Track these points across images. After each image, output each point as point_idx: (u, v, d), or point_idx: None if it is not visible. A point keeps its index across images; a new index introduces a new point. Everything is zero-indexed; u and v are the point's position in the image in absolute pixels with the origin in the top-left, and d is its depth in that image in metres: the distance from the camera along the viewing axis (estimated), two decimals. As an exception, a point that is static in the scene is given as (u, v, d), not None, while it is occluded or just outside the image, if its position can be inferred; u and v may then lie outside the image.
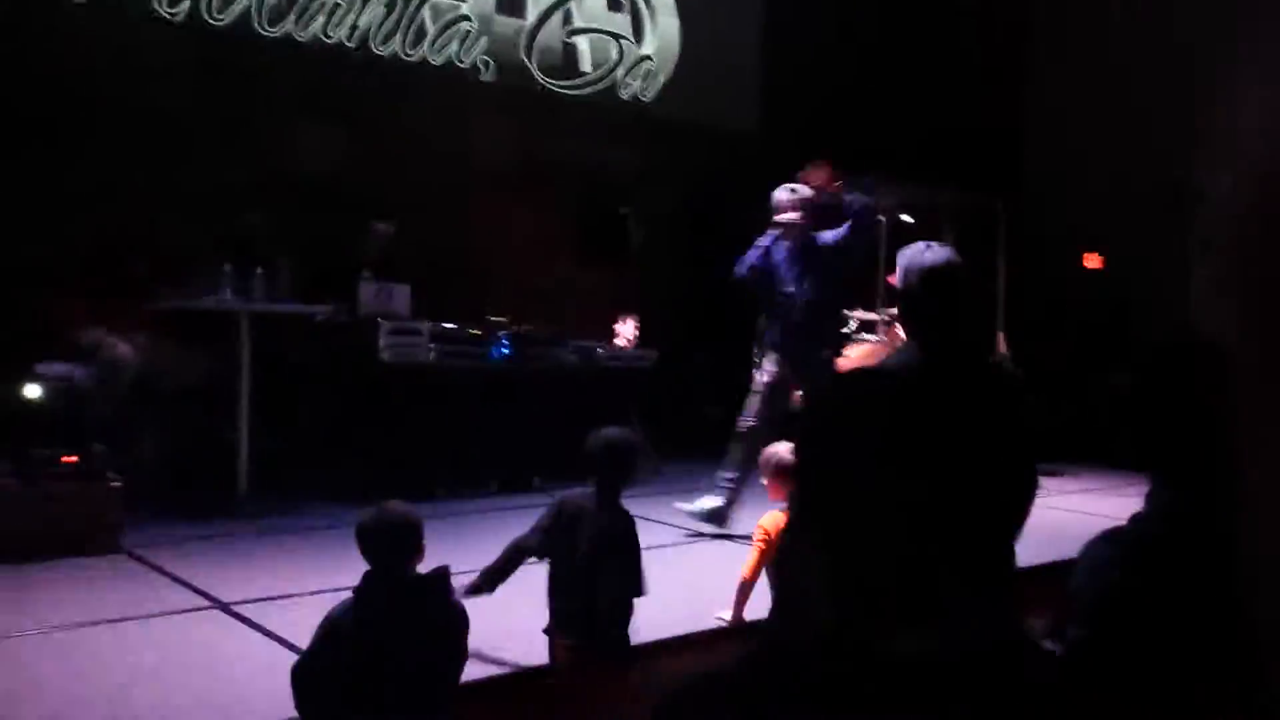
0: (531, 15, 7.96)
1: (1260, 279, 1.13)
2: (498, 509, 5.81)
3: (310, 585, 4.16)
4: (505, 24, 7.84)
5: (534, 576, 3.27)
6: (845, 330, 7.73)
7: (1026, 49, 10.03)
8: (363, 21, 7.14)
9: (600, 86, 8.33)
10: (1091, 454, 7.56)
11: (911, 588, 1.09)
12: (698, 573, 4.64)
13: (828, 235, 5.43)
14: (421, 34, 7.41)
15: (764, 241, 5.49)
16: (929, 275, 2.67)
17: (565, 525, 3.22)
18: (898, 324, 7.67)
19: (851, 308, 7.62)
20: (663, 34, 8.58)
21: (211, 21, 6.53)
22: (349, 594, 2.60)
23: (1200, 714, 1.60)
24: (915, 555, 1.09)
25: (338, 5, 7.02)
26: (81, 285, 5.68)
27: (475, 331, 6.54)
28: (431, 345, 6.25)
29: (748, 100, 8.98)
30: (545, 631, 3.24)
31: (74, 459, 4.67)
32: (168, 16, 6.37)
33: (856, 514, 1.10)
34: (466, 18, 7.60)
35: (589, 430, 3.32)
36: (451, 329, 6.42)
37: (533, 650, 3.34)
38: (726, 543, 5.27)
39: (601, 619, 3.17)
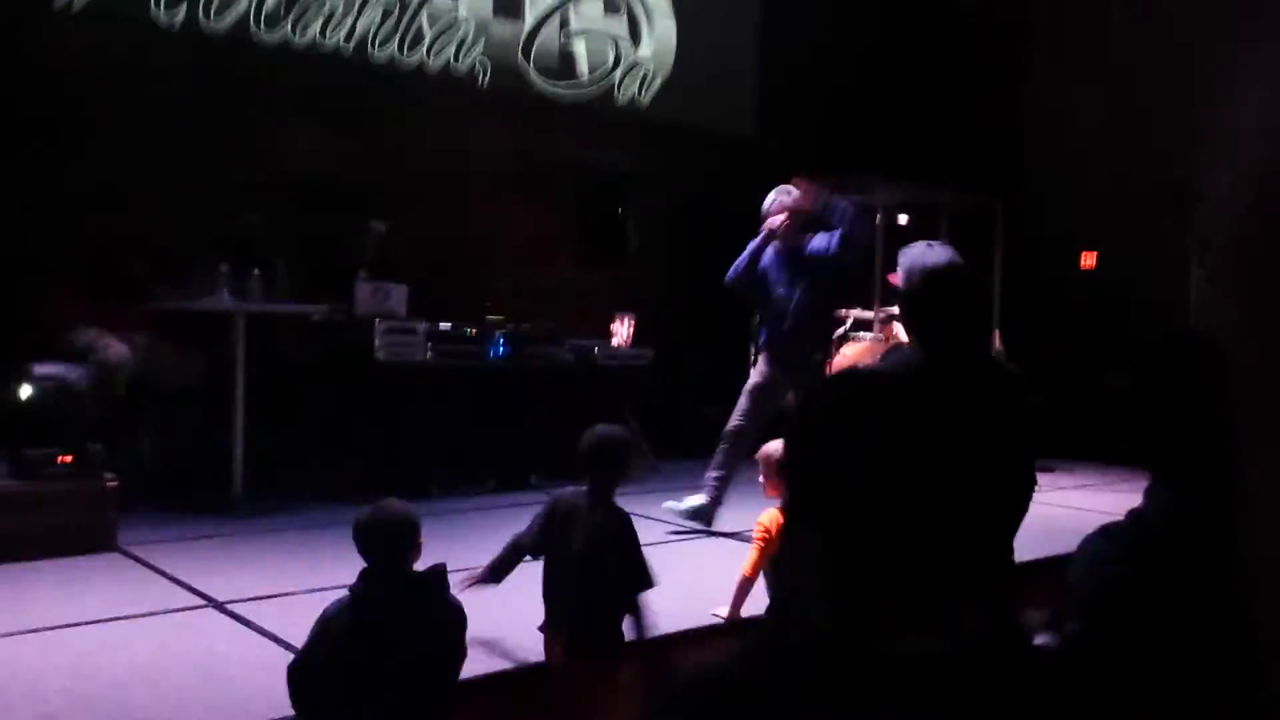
0: (529, 19, 7.99)
1: (1260, 278, 1.13)
2: (494, 507, 5.82)
3: (306, 583, 4.16)
4: (502, 27, 7.86)
5: (531, 574, 3.27)
6: (841, 329, 7.74)
7: (1025, 49, 10.05)
8: (360, 25, 7.16)
9: (597, 89, 8.35)
10: (1086, 450, 7.57)
11: (909, 587, 1.09)
12: (692, 570, 4.63)
13: (818, 243, 5.41)
14: (419, 38, 7.43)
15: (752, 245, 5.51)
16: (932, 275, 2.67)
17: (559, 524, 3.22)
18: (894, 322, 7.72)
19: (847, 306, 7.63)
20: (659, 37, 8.60)
21: (208, 26, 6.54)
22: (345, 592, 2.60)
23: (1199, 712, 1.60)
24: (913, 555, 1.09)
25: (335, 10, 7.03)
26: (78, 285, 5.69)
27: (472, 331, 6.55)
28: (428, 345, 6.26)
29: (744, 102, 9.01)
30: (540, 629, 3.24)
31: (69, 458, 4.68)
32: (165, 21, 6.38)
33: (854, 515, 1.10)
34: (464, 21, 7.62)
35: (588, 427, 3.33)
36: (448, 329, 6.44)
37: (529, 647, 3.34)
38: (721, 540, 5.27)
39: (596, 616, 3.17)
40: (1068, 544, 1.83)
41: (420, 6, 7.41)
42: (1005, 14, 9.97)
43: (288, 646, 3.38)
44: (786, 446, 1.22)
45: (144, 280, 5.74)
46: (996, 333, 8.03)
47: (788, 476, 1.20)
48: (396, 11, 7.32)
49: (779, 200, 5.45)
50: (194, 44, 6.50)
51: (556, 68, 8.15)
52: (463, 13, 7.63)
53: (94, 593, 4.11)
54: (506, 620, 3.42)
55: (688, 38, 8.69)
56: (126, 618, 3.83)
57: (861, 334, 7.80)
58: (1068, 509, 6.01)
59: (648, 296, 7.92)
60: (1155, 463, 1.76)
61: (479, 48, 7.68)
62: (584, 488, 3.24)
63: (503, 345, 6.57)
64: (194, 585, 4.23)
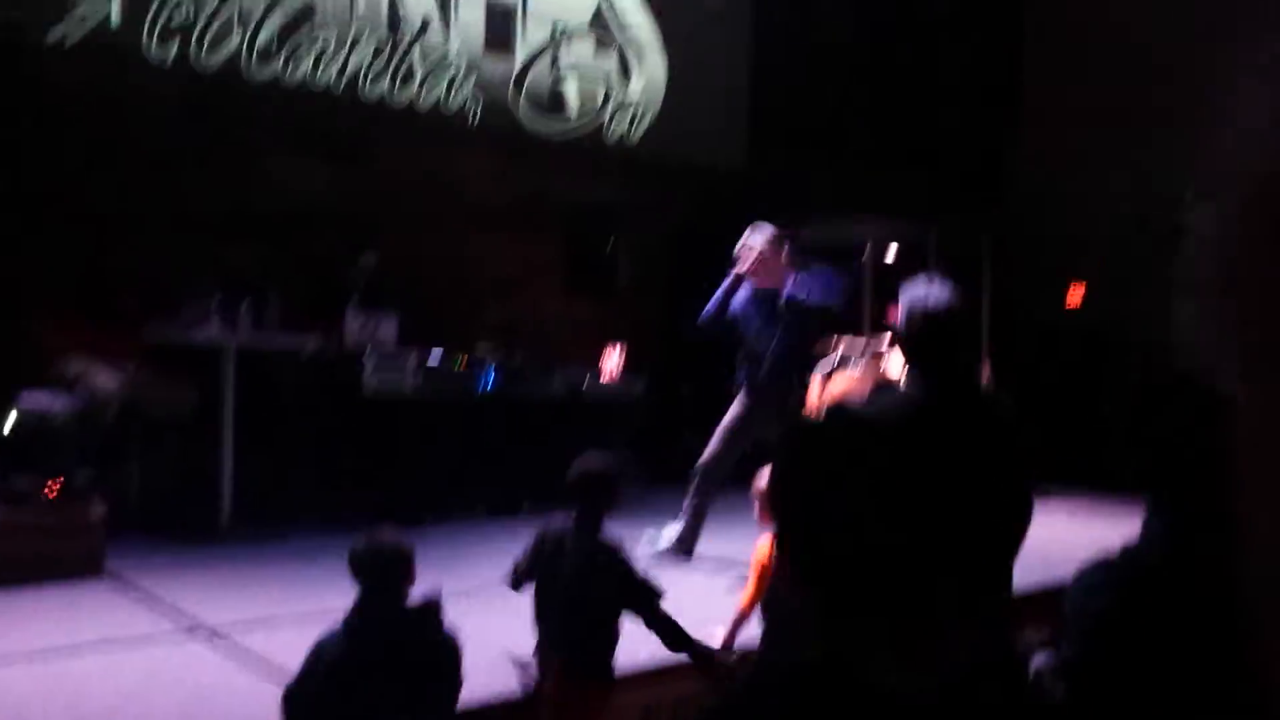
0: (519, 57, 8.09)
1: (1260, 286, 1.14)
2: (486, 534, 5.81)
3: (295, 610, 4.13)
4: (493, 65, 7.96)
5: (524, 602, 3.27)
6: (830, 361, 7.77)
7: (1013, 85, 10.22)
8: (352, 63, 7.24)
9: (587, 127, 8.44)
10: (1076, 478, 7.58)
11: (907, 620, 1.10)
12: (675, 601, 4.63)
13: (796, 291, 5.40)
14: (410, 75, 7.51)
15: (722, 287, 5.54)
16: (933, 314, 2.71)
17: (547, 555, 3.24)
18: (883, 355, 7.76)
19: (836, 338, 7.67)
20: (650, 74, 8.72)
21: (200, 62, 6.61)
22: (335, 616, 2.60)
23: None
24: (911, 588, 1.10)
25: (327, 47, 7.11)
26: (69, 315, 5.70)
27: (462, 362, 6.58)
28: (417, 376, 6.28)
29: (734, 138, 9.11)
30: (533, 655, 3.24)
31: (57, 486, 4.66)
32: (157, 56, 6.45)
33: (851, 551, 1.11)
34: (455, 59, 7.72)
35: (580, 455, 3.35)
36: (437, 361, 6.46)
37: (523, 674, 3.33)
38: (704, 570, 5.27)
39: (586, 642, 3.18)
40: (1057, 571, 1.85)
41: (412, 44, 7.51)
42: (993, 51, 10.15)
43: (277, 674, 3.36)
44: (777, 484, 1.23)
45: (134, 311, 5.75)
46: (986, 365, 8.09)
47: (779, 513, 1.20)
48: (388, 49, 7.41)
49: (748, 241, 5.48)
50: (186, 79, 6.55)
51: (547, 105, 8.24)
52: (454, 51, 7.73)
53: (82, 619, 4.08)
54: (500, 649, 3.41)
55: (678, 75, 8.80)
56: (114, 644, 3.80)
57: (850, 366, 7.83)
58: (1056, 538, 6.02)
59: (638, 328, 7.96)
60: (1152, 496, 1.79)
61: (470, 85, 7.77)
62: (571, 518, 3.25)
63: (493, 376, 6.59)
64: (182, 613, 4.20)
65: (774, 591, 3.45)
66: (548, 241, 8.15)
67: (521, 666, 3.30)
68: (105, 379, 5.28)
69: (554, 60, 8.28)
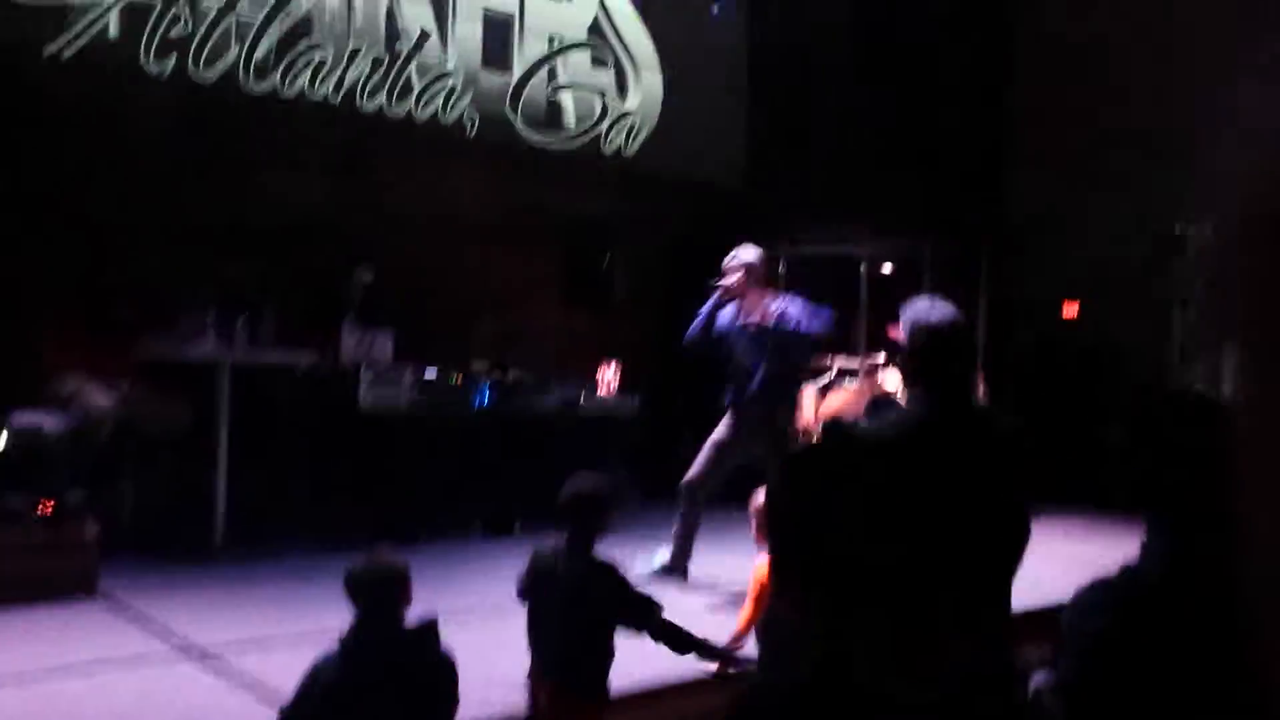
0: (517, 71, 8.10)
1: (1260, 286, 1.14)
2: (480, 553, 5.80)
3: (289, 631, 4.12)
4: (490, 79, 7.97)
5: (518, 623, 3.26)
6: (826, 377, 7.79)
7: (1008, 102, 10.25)
8: (349, 76, 7.25)
9: (584, 140, 8.45)
10: (1072, 497, 7.58)
11: (907, 636, 1.10)
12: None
13: (789, 321, 5.38)
14: (408, 89, 7.51)
15: (706, 307, 5.54)
16: (936, 331, 2.72)
17: (540, 576, 3.24)
18: (878, 371, 7.78)
19: (832, 355, 7.69)
20: (646, 89, 8.74)
21: (197, 75, 6.61)
22: (330, 637, 2.58)
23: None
24: (911, 605, 1.10)
25: (324, 61, 7.12)
26: (64, 331, 5.69)
27: (457, 379, 6.57)
28: (413, 393, 6.26)
29: (730, 153, 9.13)
30: (527, 677, 3.23)
31: (50, 506, 4.64)
32: (154, 70, 6.45)
33: (852, 570, 1.11)
34: (453, 73, 7.73)
35: (570, 476, 3.34)
36: (433, 377, 6.45)
37: (518, 696, 3.32)
38: (700, 589, 5.26)
39: (579, 664, 3.17)
40: (1041, 593, 1.85)
41: (409, 58, 7.51)
42: (989, 67, 10.19)
43: (271, 696, 3.35)
44: (779, 506, 1.23)
45: (131, 323, 5.74)
46: (981, 381, 8.10)
47: (779, 533, 1.20)
48: (386, 63, 7.41)
49: (732, 262, 5.48)
50: (183, 93, 6.55)
51: (544, 119, 8.25)
52: (451, 64, 7.74)
53: (74, 641, 4.06)
54: (495, 669, 3.40)
55: (674, 90, 8.82)
56: (107, 665, 3.79)
57: (845, 381, 7.85)
58: (1051, 557, 6.01)
59: (633, 343, 7.96)
60: (1151, 516, 1.78)
61: (467, 99, 7.78)
62: (563, 539, 3.25)
63: (488, 393, 6.58)
64: (175, 633, 4.18)
65: (772, 612, 3.44)
66: (544, 255, 8.15)
67: (517, 687, 3.29)
68: (99, 397, 5.26)
69: (551, 74, 8.29)
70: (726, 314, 5.53)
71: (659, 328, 8.32)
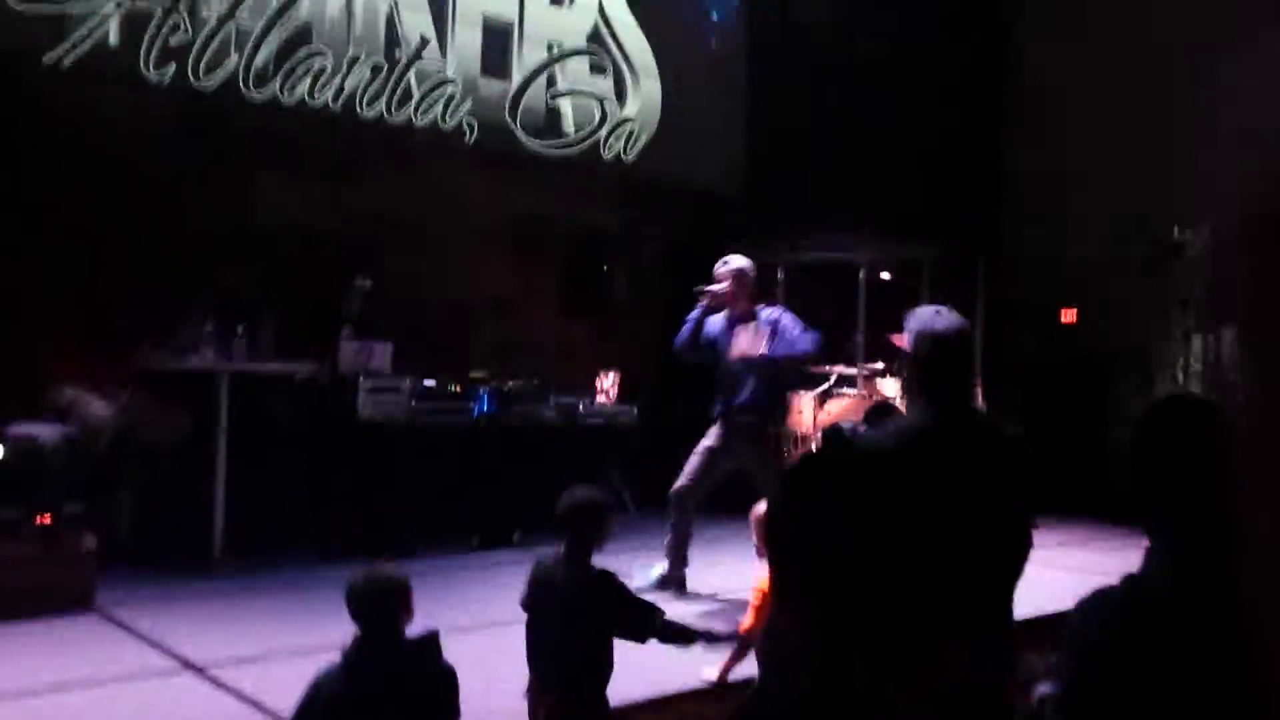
0: (516, 78, 8.09)
1: (1261, 288, 1.13)
2: (478, 565, 5.78)
3: (287, 645, 4.11)
4: (490, 86, 7.96)
5: (518, 637, 3.25)
6: (825, 385, 7.78)
7: (1005, 107, 10.26)
8: (349, 85, 7.24)
9: (583, 147, 8.45)
10: (1069, 504, 7.57)
11: (908, 643, 1.09)
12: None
13: (777, 351, 5.37)
14: (407, 96, 7.51)
15: (693, 315, 5.54)
16: (942, 341, 2.72)
17: (539, 586, 3.24)
18: (877, 379, 7.77)
19: (831, 362, 7.68)
20: (645, 96, 8.73)
21: (198, 84, 6.60)
22: (327, 652, 2.58)
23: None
24: (915, 617, 1.09)
25: (324, 69, 7.11)
26: (63, 341, 5.68)
27: (457, 387, 6.55)
28: (412, 402, 6.25)
29: (729, 159, 9.13)
30: (526, 692, 3.22)
31: (47, 518, 4.63)
32: (154, 78, 6.44)
33: (857, 582, 1.10)
34: (452, 80, 7.72)
35: (568, 486, 3.34)
36: (432, 385, 6.43)
37: (518, 710, 3.31)
38: (700, 598, 5.25)
39: (578, 677, 3.16)
40: (1037, 603, 1.84)
41: (409, 66, 7.51)
42: (986, 73, 10.20)
43: (268, 712, 3.34)
44: (778, 517, 1.22)
45: (128, 335, 5.73)
46: (979, 387, 8.09)
47: (783, 546, 1.19)
48: (385, 70, 7.41)
49: (721, 271, 5.48)
50: (182, 101, 6.55)
51: (543, 126, 8.25)
52: (451, 71, 7.73)
53: (71, 655, 4.05)
54: (496, 681, 3.39)
55: (673, 96, 8.82)
56: (104, 680, 3.77)
57: (845, 390, 7.84)
58: (1052, 567, 6.01)
59: (633, 351, 7.95)
60: (1153, 523, 1.77)
61: (466, 106, 7.77)
62: (561, 550, 3.25)
63: (487, 402, 6.57)
64: (173, 647, 4.17)
65: (772, 624, 3.44)
66: (543, 262, 8.14)
67: (518, 699, 3.28)
68: (97, 407, 5.25)
69: (550, 81, 8.29)
70: (715, 321, 5.53)
71: (658, 336, 8.32)
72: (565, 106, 8.37)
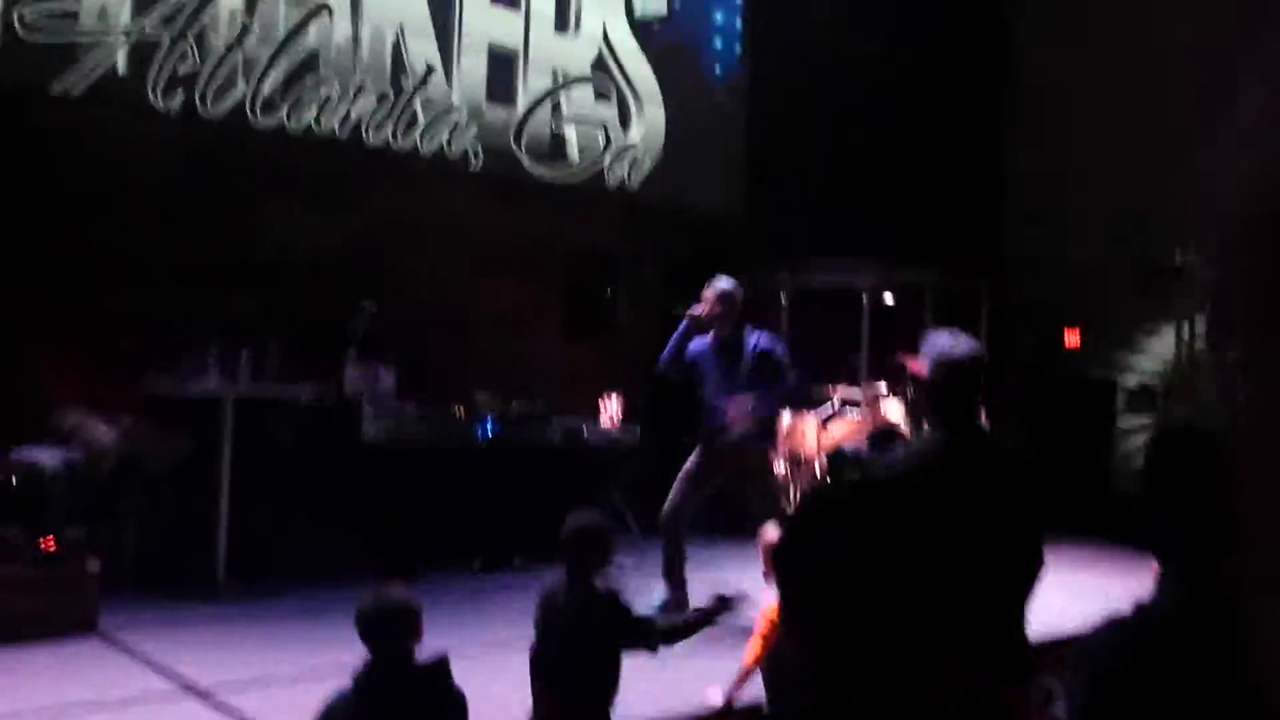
0: (521, 105, 8.16)
1: (1262, 288, 1.13)
2: (480, 588, 5.78)
3: (291, 669, 4.10)
4: (495, 113, 8.02)
5: (523, 661, 3.25)
6: (829, 407, 7.77)
7: (1006, 130, 10.29)
8: (355, 112, 7.30)
9: (587, 173, 8.50)
10: (1074, 526, 7.53)
11: (915, 665, 1.09)
12: (677, 652, 4.59)
13: (761, 408, 5.39)
14: (413, 123, 7.57)
15: (676, 335, 5.54)
16: (959, 367, 2.73)
17: (545, 610, 3.26)
18: (880, 401, 7.76)
19: (834, 384, 7.68)
20: (649, 122, 8.79)
21: (205, 112, 6.66)
22: (332, 676, 2.58)
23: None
24: (923, 635, 1.09)
25: (330, 97, 7.17)
26: (68, 365, 5.70)
27: (460, 411, 6.57)
28: (416, 425, 6.26)
29: (731, 184, 9.17)
30: (530, 716, 3.22)
31: (50, 542, 4.63)
32: (162, 106, 6.50)
33: (871, 609, 1.10)
34: (457, 107, 7.79)
35: (572, 509, 3.36)
36: (436, 408, 6.45)
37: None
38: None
39: (583, 700, 3.16)
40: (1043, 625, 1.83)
41: (414, 92, 7.57)
42: (986, 95, 10.24)
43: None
44: (788, 546, 1.21)
45: (133, 359, 5.75)
46: (982, 409, 8.09)
47: (788, 574, 1.19)
48: (391, 98, 7.47)
49: (707, 293, 5.49)
50: (190, 128, 6.61)
51: (548, 152, 8.30)
52: (456, 98, 7.80)
53: (74, 679, 4.04)
54: (496, 707, 3.38)
55: (676, 122, 8.88)
56: (107, 706, 3.76)
57: (848, 412, 7.83)
58: (1054, 588, 5.97)
59: (637, 374, 7.95)
60: (1162, 550, 1.77)
61: (472, 132, 7.83)
62: (564, 573, 3.26)
63: (491, 425, 6.58)
64: (176, 671, 4.16)
65: (779, 650, 3.43)
66: (548, 287, 8.17)
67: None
68: (101, 432, 5.26)
69: (555, 108, 8.35)
70: (698, 343, 5.54)
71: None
72: (570, 133, 8.43)
